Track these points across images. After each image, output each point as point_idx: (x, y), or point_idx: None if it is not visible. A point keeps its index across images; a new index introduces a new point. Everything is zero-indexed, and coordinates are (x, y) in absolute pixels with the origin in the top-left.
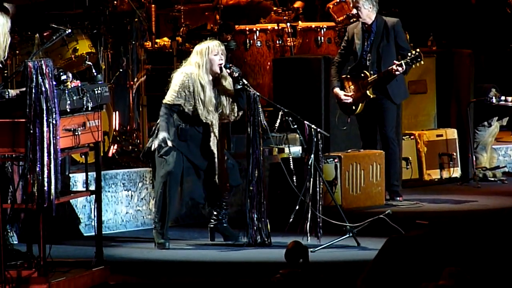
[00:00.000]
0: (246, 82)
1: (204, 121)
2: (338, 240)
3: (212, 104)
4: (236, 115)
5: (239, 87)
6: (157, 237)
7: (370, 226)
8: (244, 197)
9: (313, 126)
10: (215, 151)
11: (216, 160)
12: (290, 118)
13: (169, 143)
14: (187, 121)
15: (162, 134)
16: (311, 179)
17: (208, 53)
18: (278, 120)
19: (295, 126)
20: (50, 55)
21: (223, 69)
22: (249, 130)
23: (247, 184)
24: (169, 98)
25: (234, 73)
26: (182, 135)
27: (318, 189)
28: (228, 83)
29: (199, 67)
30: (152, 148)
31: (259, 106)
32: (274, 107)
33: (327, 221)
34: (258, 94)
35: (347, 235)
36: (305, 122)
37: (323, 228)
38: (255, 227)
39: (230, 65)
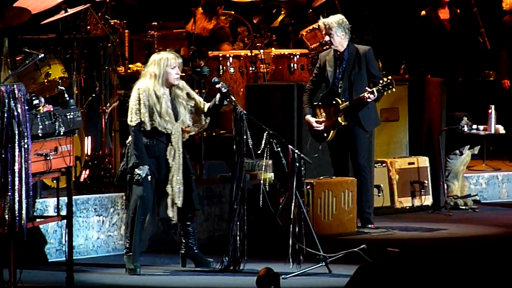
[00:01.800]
0: (233, 99)
1: (164, 131)
2: (311, 268)
3: (169, 114)
4: (204, 123)
5: (226, 102)
6: (128, 263)
7: (342, 255)
8: (214, 223)
9: (296, 151)
10: (170, 161)
11: (170, 170)
12: (274, 140)
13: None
14: (152, 137)
15: (145, 168)
16: (294, 205)
17: (166, 65)
18: (263, 142)
19: (279, 148)
20: (23, 80)
21: (180, 81)
22: (234, 147)
23: (231, 204)
24: (134, 119)
25: (223, 88)
26: (151, 152)
27: (300, 215)
28: (185, 92)
29: (155, 78)
30: (130, 175)
31: (246, 124)
32: (254, 131)
33: (301, 248)
34: (245, 112)
35: (320, 264)
36: (289, 146)
37: (295, 254)
38: (237, 251)
39: (219, 80)
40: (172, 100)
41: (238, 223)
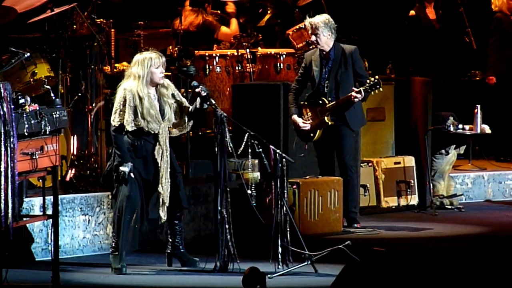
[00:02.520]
0: (214, 102)
1: (148, 130)
2: (297, 267)
3: (152, 115)
4: (186, 126)
5: (206, 106)
6: (114, 262)
7: (328, 253)
8: (200, 222)
9: (278, 151)
10: (159, 160)
11: (159, 169)
12: (255, 142)
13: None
14: (140, 137)
15: (128, 164)
16: (278, 205)
17: (150, 65)
18: (244, 143)
19: (260, 149)
20: (9, 79)
21: (165, 80)
22: (216, 150)
23: (215, 207)
24: (116, 119)
25: (203, 92)
26: (139, 152)
27: (284, 215)
28: (170, 91)
29: (139, 78)
30: (115, 174)
31: (226, 126)
32: (237, 132)
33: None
34: (225, 115)
35: (306, 263)
36: (271, 146)
37: (280, 254)
38: (226, 251)
39: (198, 84)
40: (158, 99)
41: (226, 225)
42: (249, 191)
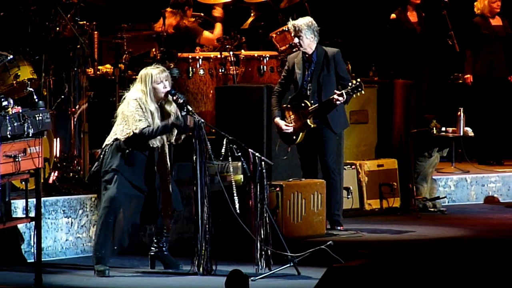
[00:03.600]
0: (191, 109)
1: (151, 146)
2: (279, 269)
3: None
4: (178, 138)
5: (183, 113)
6: (97, 265)
7: (311, 256)
8: (184, 224)
9: (257, 154)
10: (158, 174)
11: (155, 182)
12: (234, 146)
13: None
14: (134, 146)
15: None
16: (258, 208)
17: (151, 82)
18: (223, 148)
19: (239, 153)
20: None
21: (168, 94)
22: (194, 157)
23: (195, 211)
24: (140, 126)
25: (179, 99)
26: (129, 160)
27: (264, 218)
28: (173, 107)
29: (144, 94)
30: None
31: (204, 133)
32: (218, 135)
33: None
34: (203, 121)
35: (288, 265)
36: (250, 150)
37: (262, 256)
38: (203, 255)
39: (175, 91)
40: (161, 114)
41: (205, 226)
42: (234, 194)
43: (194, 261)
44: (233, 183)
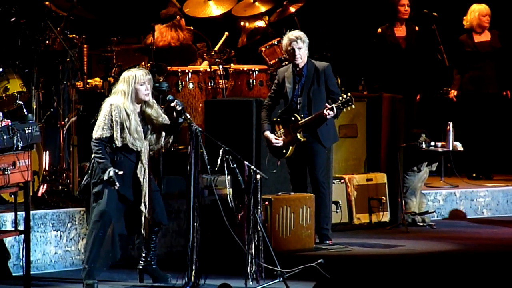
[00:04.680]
0: (189, 116)
1: (132, 147)
2: (268, 284)
3: (138, 132)
4: (163, 144)
5: (181, 120)
6: (86, 278)
7: (300, 271)
8: (172, 238)
9: (252, 167)
10: (141, 179)
11: (142, 188)
12: (230, 157)
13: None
14: (120, 153)
15: (111, 169)
16: (251, 222)
17: (134, 82)
18: (220, 158)
19: (235, 165)
20: None
21: (151, 99)
22: (189, 165)
23: (187, 222)
24: (98, 133)
25: (178, 106)
26: (117, 167)
27: (257, 232)
28: (154, 110)
29: (125, 95)
30: (106, 177)
31: (201, 141)
32: (209, 147)
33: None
34: (200, 129)
35: (278, 280)
36: (245, 162)
37: (252, 270)
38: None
39: (174, 98)
40: (142, 117)
41: (195, 238)
42: (231, 205)
43: (186, 274)
44: (228, 196)
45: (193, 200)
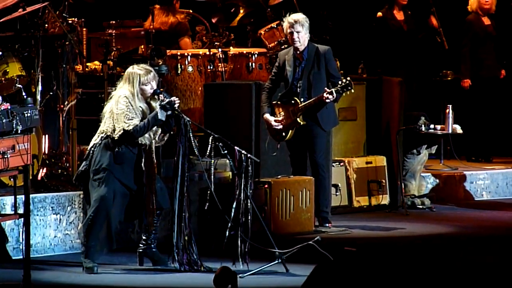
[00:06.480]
0: (177, 107)
1: (140, 142)
2: (267, 266)
3: (152, 129)
4: (161, 138)
5: (169, 113)
6: (85, 261)
7: (299, 252)
8: (170, 222)
9: (243, 151)
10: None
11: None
12: (220, 144)
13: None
14: (123, 144)
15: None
16: (241, 205)
17: (139, 83)
18: (209, 146)
19: (225, 151)
20: None
21: (155, 93)
22: (177, 155)
23: (172, 209)
24: (131, 123)
25: (166, 98)
26: (119, 158)
27: (247, 214)
28: (159, 103)
29: (132, 94)
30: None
31: (190, 131)
32: (205, 133)
33: (256, 246)
34: (189, 119)
35: (276, 261)
36: (235, 147)
37: (252, 253)
38: (181, 252)
39: (161, 90)
40: (147, 113)
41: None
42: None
43: (176, 257)
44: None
45: (179, 193)
